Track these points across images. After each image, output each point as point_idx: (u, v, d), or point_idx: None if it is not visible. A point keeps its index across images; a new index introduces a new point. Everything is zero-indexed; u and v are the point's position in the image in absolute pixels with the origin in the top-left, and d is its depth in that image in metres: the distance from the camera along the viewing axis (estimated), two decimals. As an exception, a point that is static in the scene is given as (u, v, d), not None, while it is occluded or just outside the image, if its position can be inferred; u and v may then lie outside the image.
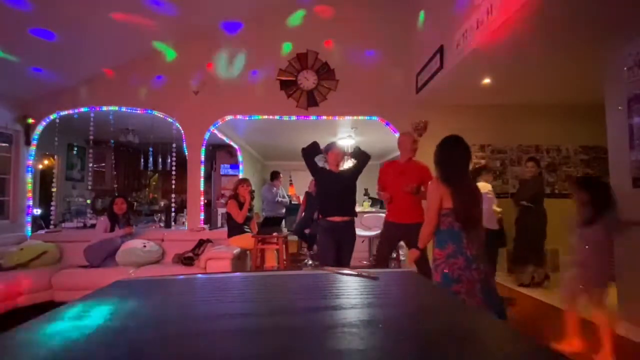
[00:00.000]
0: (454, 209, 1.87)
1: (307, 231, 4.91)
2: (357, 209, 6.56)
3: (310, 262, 5.13)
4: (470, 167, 2.10)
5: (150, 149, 6.23)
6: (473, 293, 1.82)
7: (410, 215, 2.90)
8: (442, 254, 1.89)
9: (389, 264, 3.62)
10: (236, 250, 3.70)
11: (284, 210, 6.06)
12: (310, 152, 3.10)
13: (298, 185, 9.77)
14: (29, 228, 4.31)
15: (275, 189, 5.97)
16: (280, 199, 5.94)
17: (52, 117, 4.49)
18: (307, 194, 5.10)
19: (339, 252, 2.98)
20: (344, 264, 2.95)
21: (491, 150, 4.73)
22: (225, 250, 3.61)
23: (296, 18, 4.57)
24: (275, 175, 6.11)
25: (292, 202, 7.81)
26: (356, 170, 3.15)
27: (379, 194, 3.15)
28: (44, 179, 5.34)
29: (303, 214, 5.09)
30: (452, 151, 2.00)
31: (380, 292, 1.00)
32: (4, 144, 4.20)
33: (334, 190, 3.05)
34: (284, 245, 4.00)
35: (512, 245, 4.24)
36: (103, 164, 6.87)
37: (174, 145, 5.02)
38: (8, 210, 4.22)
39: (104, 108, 4.52)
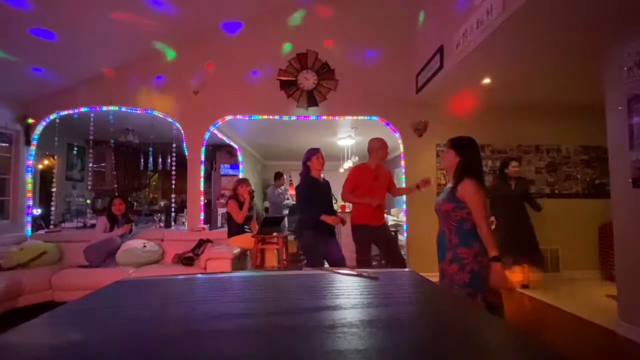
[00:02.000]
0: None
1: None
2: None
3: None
4: None
5: (150, 149, 6.24)
6: (497, 291, 1.82)
7: (379, 218, 3.18)
8: (470, 252, 1.84)
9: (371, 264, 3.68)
10: (236, 250, 3.70)
11: (287, 212, 6.07)
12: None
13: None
14: (29, 228, 4.31)
15: (279, 190, 5.97)
16: (285, 202, 5.95)
17: (52, 117, 4.49)
18: None
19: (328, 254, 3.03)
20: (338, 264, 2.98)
21: (491, 150, 4.73)
22: (225, 250, 3.61)
23: (296, 18, 4.57)
24: (277, 176, 6.12)
25: (291, 204, 7.81)
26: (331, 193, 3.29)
27: (367, 200, 3.10)
28: (44, 179, 5.34)
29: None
30: (478, 152, 1.99)
31: (380, 292, 1.00)
32: (4, 144, 4.20)
33: (326, 197, 3.15)
34: (284, 245, 4.00)
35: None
36: (103, 164, 6.87)
37: (174, 145, 5.02)
38: (8, 210, 4.22)
39: (104, 108, 4.52)
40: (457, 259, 1.86)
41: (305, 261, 3.12)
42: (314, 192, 3.02)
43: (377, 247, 3.35)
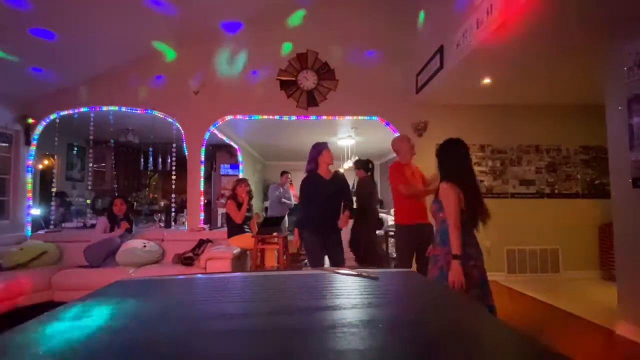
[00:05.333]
0: (467, 209, 1.95)
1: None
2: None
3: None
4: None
5: (150, 149, 6.24)
6: (467, 287, 1.87)
7: (424, 215, 2.88)
8: (443, 251, 1.96)
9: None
10: (236, 250, 3.69)
11: (287, 211, 6.06)
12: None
13: (298, 185, 9.76)
14: (29, 228, 4.31)
15: (281, 189, 5.97)
16: (284, 200, 5.93)
17: (52, 117, 4.49)
18: None
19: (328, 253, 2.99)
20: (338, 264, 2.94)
21: (491, 150, 4.73)
22: (225, 250, 3.61)
23: (296, 18, 4.57)
24: (280, 175, 6.13)
25: (293, 204, 7.79)
26: (345, 189, 3.11)
27: (412, 186, 2.87)
28: (44, 179, 5.34)
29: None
30: (458, 152, 2.07)
31: (380, 292, 1.00)
32: (4, 144, 4.20)
33: (326, 196, 2.96)
34: (284, 245, 3.99)
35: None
36: (103, 164, 6.87)
37: (174, 145, 5.02)
38: (8, 210, 4.22)
39: (104, 108, 4.52)
40: (434, 256, 2.02)
41: (307, 260, 3.11)
42: (313, 190, 2.97)
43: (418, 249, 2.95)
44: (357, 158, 4.50)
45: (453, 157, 2.06)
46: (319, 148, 3.02)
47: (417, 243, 2.82)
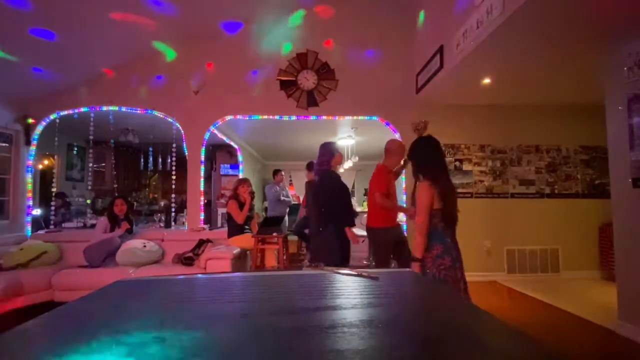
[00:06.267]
0: (442, 209, 1.88)
1: (307, 231, 4.91)
2: (358, 209, 6.51)
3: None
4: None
5: (150, 149, 6.24)
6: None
7: (396, 217, 3.12)
8: (428, 256, 1.88)
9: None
10: (236, 250, 3.70)
11: (287, 210, 6.06)
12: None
13: (298, 185, 9.78)
14: (29, 228, 4.31)
15: (276, 187, 5.97)
16: (282, 198, 5.93)
17: (52, 117, 4.49)
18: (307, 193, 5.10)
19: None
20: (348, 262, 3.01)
21: (491, 150, 4.73)
22: (225, 250, 3.61)
23: (296, 18, 4.57)
24: (274, 173, 6.13)
25: (292, 202, 7.82)
26: None
27: (405, 207, 3.08)
28: (44, 179, 5.34)
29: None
30: (435, 151, 2.03)
31: (380, 292, 1.00)
32: (4, 144, 4.20)
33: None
34: (284, 245, 4.00)
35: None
36: (103, 164, 6.87)
37: (174, 145, 5.02)
38: (8, 210, 4.22)
39: (104, 108, 4.52)
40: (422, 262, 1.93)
41: (308, 260, 3.10)
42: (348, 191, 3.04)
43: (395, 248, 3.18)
44: (309, 161, 4.56)
45: (426, 155, 2.02)
46: (332, 149, 3.04)
47: (394, 243, 3.01)
